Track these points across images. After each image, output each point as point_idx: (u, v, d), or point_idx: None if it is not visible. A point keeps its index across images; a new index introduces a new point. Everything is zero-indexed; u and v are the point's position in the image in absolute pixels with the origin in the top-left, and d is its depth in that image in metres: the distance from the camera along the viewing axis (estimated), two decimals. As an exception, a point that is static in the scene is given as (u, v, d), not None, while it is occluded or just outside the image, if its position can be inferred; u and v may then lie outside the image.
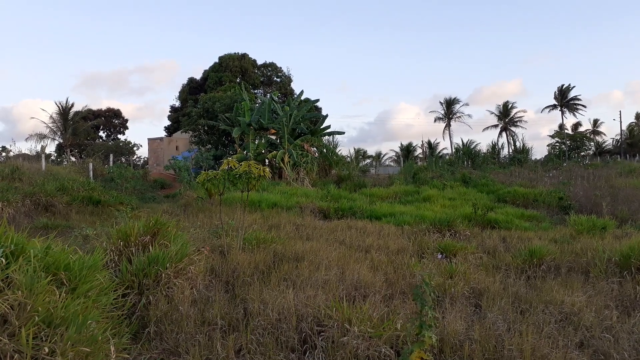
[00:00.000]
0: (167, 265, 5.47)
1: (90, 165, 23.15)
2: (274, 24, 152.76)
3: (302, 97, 33.14)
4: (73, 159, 31.06)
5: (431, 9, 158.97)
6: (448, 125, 73.00)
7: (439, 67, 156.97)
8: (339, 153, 32.84)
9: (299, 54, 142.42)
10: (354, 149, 50.21)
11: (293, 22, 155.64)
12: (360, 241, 9.37)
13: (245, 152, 29.17)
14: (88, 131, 51.86)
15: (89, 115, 59.06)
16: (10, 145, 51.94)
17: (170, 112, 60.39)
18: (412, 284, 6.30)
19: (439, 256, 7.53)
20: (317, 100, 33.49)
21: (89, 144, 55.87)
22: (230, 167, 7.55)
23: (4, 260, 3.66)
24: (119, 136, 70.81)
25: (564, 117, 74.75)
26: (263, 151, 28.88)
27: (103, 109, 69.89)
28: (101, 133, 69.65)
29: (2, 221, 4.18)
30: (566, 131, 72.04)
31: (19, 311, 3.37)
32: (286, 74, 59.15)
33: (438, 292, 5.72)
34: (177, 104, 59.03)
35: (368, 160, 57.27)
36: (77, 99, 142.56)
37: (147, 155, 51.99)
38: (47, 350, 3.09)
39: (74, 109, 42.59)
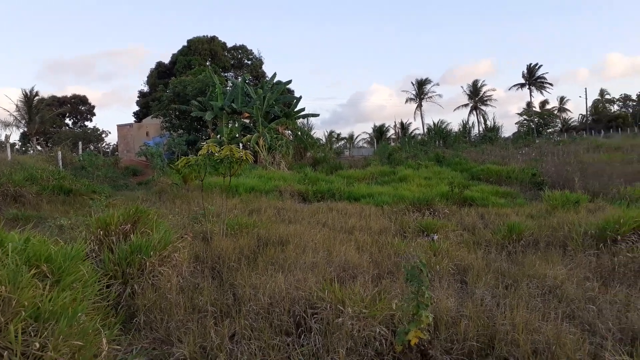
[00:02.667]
0: (151, 253, 5.35)
1: (59, 153, 22.45)
2: (243, 6, 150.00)
3: (275, 80, 32.77)
4: (39, 147, 30.02)
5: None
6: (420, 106, 73.67)
7: (411, 48, 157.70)
8: (313, 135, 32.74)
9: (270, 36, 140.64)
10: (326, 131, 50.20)
11: (263, 3, 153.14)
12: (343, 223, 9.38)
13: (218, 136, 28.76)
14: (54, 119, 50.26)
15: (54, 102, 57.19)
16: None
17: (138, 97, 59.03)
18: (397, 264, 6.34)
19: (434, 237, 7.61)
20: (290, 82, 33.25)
21: (55, 132, 54.21)
22: (211, 151, 7.40)
23: (-18, 254, 3.51)
24: (87, 123, 68.98)
25: (531, 96, 76.34)
26: (237, 135, 28.53)
27: (69, 96, 67.84)
28: (67, 120, 67.61)
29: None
30: (534, 109, 73.51)
31: (3, 306, 3.23)
32: (257, 56, 58.38)
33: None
34: (146, 88, 57.71)
35: (342, 143, 57.27)
36: (41, 86, 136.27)
37: (116, 142, 50.86)
38: (37, 345, 2.98)
39: (38, 97, 41.07)
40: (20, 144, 43.53)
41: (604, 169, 18.32)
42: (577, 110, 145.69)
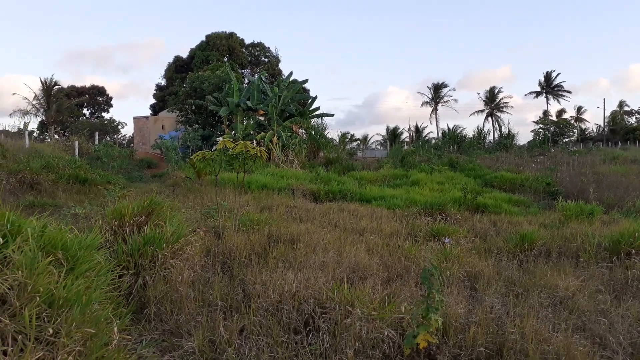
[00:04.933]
0: (164, 245, 5.39)
1: (76, 143, 22.73)
2: (263, 3, 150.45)
3: (291, 78, 32.81)
4: (57, 136, 30.41)
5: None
6: (435, 110, 73.36)
7: (430, 52, 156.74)
8: (327, 135, 32.72)
9: (288, 34, 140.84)
10: (339, 132, 50.13)
11: (282, 2, 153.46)
12: (354, 224, 9.38)
13: (233, 132, 28.89)
14: (72, 109, 50.86)
15: (73, 92, 57.91)
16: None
17: (155, 90, 59.46)
18: (407, 267, 6.34)
19: (447, 240, 7.58)
20: (306, 81, 33.24)
21: (72, 121, 54.87)
22: (226, 147, 7.44)
23: (1, 240, 3.57)
24: (104, 114, 69.72)
25: (548, 104, 75.54)
26: (251, 132, 28.62)
27: (87, 86, 68.64)
28: (85, 111, 68.42)
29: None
30: (550, 117, 72.77)
31: (19, 292, 3.29)
32: (274, 54, 58.50)
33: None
34: (163, 82, 58.08)
35: (355, 143, 57.18)
36: (61, 75, 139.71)
37: (132, 134, 51.31)
38: (51, 331, 3.03)
39: (57, 86, 41.61)
40: (38, 132, 44.12)
41: (620, 181, 18.07)
42: (594, 120, 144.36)
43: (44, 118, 41.26)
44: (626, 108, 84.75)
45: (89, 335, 3.21)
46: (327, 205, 12.28)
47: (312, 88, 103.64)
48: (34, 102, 39.25)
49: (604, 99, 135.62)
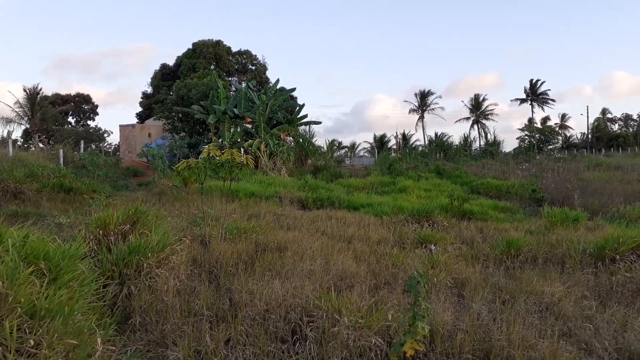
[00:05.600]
0: (149, 254, 5.34)
1: (61, 151, 22.46)
2: (250, 11, 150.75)
3: (278, 86, 32.85)
4: (41, 145, 30.05)
5: (412, 1, 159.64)
6: (422, 117, 73.97)
7: (417, 59, 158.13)
8: (315, 143, 32.76)
9: (275, 42, 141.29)
10: (327, 140, 50.25)
11: (269, 10, 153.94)
12: (342, 231, 9.37)
13: (220, 140, 28.80)
14: (56, 117, 50.34)
15: (58, 100, 57.34)
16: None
17: (142, 98, 59.02)
18: (395, 275, 6.34)
19: (433, 247, 7.60)
20: (294, 89, 33.36)
21: (57, 129, 54.28)
22: (212, 155, 7.41)
23: (-19, 250, 3.50)
24: (89, 122, 69.11)
25: (533, 111, 76.57)
26: (239, 140, 28.56)
27: (72, 94, 68.02)
28: (70, 119, 67.78)
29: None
30: (535, 125, 73.68)
31: (0, 302, 3.22)
32: (261, 62, 58.49)
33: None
34: (149, 90, 57.72)
35: (343, 151, 57.29)
36: (47, 83, 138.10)
37: (118, 142, 50.91)
38: (32, 342, 2.97)
39: (42, 94, 41.13)
40: (22, 140, 43.54)
41: (604, 187, 18.33)
42: (578, 127, 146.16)
43: (28, 126, 40.74)
44: (609, 115, 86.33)
45: (72, 347, 3.16)
46: (314, 212, 12.26)
47: (300, 96, 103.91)
48: (18, 110, 38.74)
49: (587, 107, 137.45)
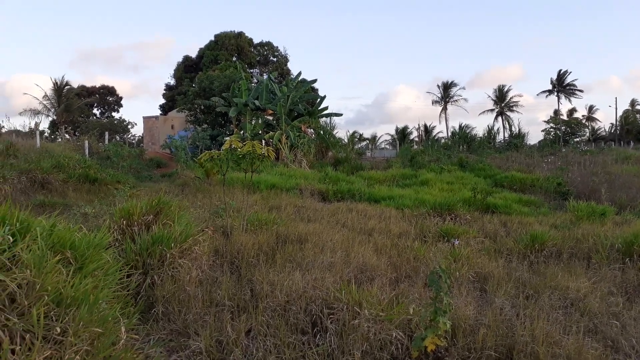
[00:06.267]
0: (172, 245, 5.40)
1: (86, 143, 22.90)
2: (271, 2, 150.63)
3: (300, 78, 32.81)
4: (67, 136, 30.68)
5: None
6: (444, 109, 73.04)
7: (440, 50, 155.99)
8: (335, 135, 32.66)
9: (297, 34, 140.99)
10: (348, 132, 50.12)
11: (290, 1, 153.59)
12: (362, 224, 9.34)
13: (242, 132, 28.94)
14: (82, 108, 51.29)
15: (83, 92, 58.40)
16: (3, 121, 51.25)
17: (165, 90, 59.74)
18: (416, 268, 6.29)
19: (455, 241, 7.53)
20: (315, 81, 33.20)
21: (82, 121, 55.33)
22: (233, 147, 7.44)
23: (10, 238, 3.58)
24: (113, 114, 70.24)
25: (559, 103, 74.86)
26: (260, 132, 28.65)
27: (97, 86, 69.21)
28: (95, 110, 69.02)
29: (6, 199, 4.09)
30: (561, 117, 72.12)
31: (27, 290, 3.30)
32: (283, 53, 58.56)
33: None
34: (172, 82, 58.34)
35: (364, 143, 57.05)
36: (72, 75, 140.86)
37: (141, 134, 51.61)
38: (58, 330, 3.03)
39: (68, 86, 41.98)
40: (49, 131, 44.51)
41: (633, 181, 17.85)
42: (606, 120, 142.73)
43: (54, 118, 41.63)
44: (639, 107, 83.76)
45: (97, 335, 3.21)
46: (335, 205, 12.25)
47: (321, 87, 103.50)
48: (45, 102, 39.61)
49: (616, 98, 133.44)
